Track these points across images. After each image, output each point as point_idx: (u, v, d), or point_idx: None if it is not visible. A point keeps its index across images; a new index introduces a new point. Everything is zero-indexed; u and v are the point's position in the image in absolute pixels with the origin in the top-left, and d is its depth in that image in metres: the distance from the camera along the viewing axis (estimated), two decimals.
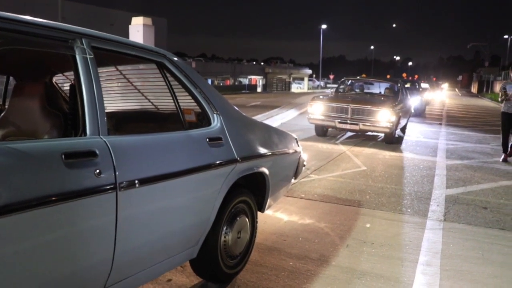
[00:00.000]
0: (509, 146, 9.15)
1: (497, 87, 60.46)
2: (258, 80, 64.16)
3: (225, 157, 3.11)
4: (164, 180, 2.51)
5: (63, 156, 1.97)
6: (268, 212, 5.26)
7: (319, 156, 9.13)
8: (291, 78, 72.58)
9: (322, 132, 12.02)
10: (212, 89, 3.42)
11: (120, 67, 3.45)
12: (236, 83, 57.22)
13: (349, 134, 12.58)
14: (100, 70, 2.48)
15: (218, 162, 3.02)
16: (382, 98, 12.11)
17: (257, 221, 3.77)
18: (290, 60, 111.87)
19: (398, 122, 10.94)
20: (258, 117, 14.79)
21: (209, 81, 52.05)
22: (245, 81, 61.59)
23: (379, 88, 14.04)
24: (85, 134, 2.21)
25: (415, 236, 4.70)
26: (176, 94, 3.02)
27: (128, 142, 2.43)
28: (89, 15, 60.73)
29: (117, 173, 2.20)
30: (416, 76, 66.47)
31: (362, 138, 11.95)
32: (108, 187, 2.14)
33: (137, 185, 2.31)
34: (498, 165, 8.45)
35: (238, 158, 3.21)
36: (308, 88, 72.07)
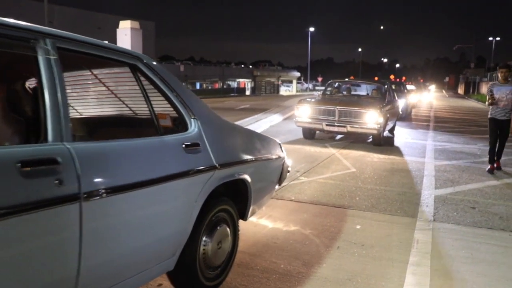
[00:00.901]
0: (495, 156, 8.36)
1: (483, 88, 61.10)
2: (246, 83, 64.23)
3: (202, 164, 2.98)
4: (135, 189, 2.37)
5: (19, 164, 1.81)
6: (258, 214, 5.26)
7: (308, 158, 9.16)
8: (280, 81, 72.73)
9: (310, 135, 11.91)
10: (190, 93, 3.31)
11: (90, 70, 3.26)
12: (225, 86, 57.20)
13: (338, 136, 12.62)
14: (69, 73, 2.39)
15: (194, 169, 2.88)
16: (370, 99, 12.06)
17: (239, 230, 3.65)
18: (278, 63, 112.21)
19: (386, 124, 10.91)
20: (247, 120, 14.81)
21: (198, 85, 52.05)
22: (233, 84, 61.59)
23: (366, 90, 14.00)
24: (46, 140, 2.07)
25: (405, 237, 4.73)
26: (152, 98, 2.90)
27: (95, 149, 2.29)
28: (77, 19, 60.41)
29: (81, 182, 2.04)
30: (403, 78, 66.95)
31: (350, 140, 11.99)
32: (70, 197, 1.99)
33: (104, 195, 2.16)
34: (485, 165, 8.52)
35: (217, 165, 3.09)
36: (297, 91, 72.28)
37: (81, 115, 3.55)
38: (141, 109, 3.10)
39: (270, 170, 4.22)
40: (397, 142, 12.15)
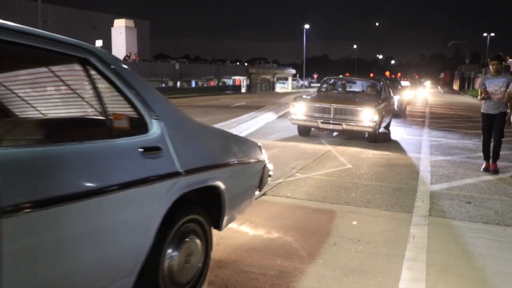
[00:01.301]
0: (491, 154, 7.84)
1: (478, 84, 61.14)
2: (242, 80, 64.16)
3: (163, 170, 2.66)
4: (74, 201, 2.04)
5: None
6: (253, 210, 5.27)
7: (303, 155, 9.16)
8: (275, 78, 72.70)
9: (305, 132, 11.85)
10: (153, 91, 3.03)
11: (31, 65, 2.81)
12: (220, 84, 57.13)
13: (334, 133, 12.63)
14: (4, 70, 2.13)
15: (153, 176, 2.56)
16: (365, 97, 12.01)
17: (211, 242, 3.35)
18: (273, 60, 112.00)
19: (381, 121, 10.89)
20: (243, 117, 14.80)
21: (193, 83, 51.92)
22: (229, 81, 61.56)
23: (362, 86, 13.89)
24: None
25: (401, 232, 4.74)
26: (106, 97, 2.59)
27: (23, 156, 1.95)
28: (72, 19, 60.31)
29: (1, 195, 1.75)
30: (399, 74, 67.11)
31: (345, 137, 11.98)
32: None
33: (32, 210, 1.85)
34: (480, 160, 8.53)
35: (182, 171, 2.78)
36: (292, 88, 72.26)
37: (16, 116, 3.00)
38: (91, 109, 2.69)
39: (248, 175, 3.93)
40: (393, 138, 12.17)
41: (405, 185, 6.84)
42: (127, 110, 2.73)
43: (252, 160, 3.95)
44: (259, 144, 4.27)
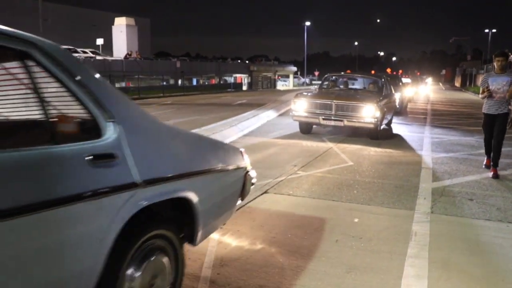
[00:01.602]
0: (492, 156, 7.41)
1: (480, 81, 60.98)
2: (243, 78, 64.11)
3: (118, 181, 2.29)
4: (4, 219, 1.74)
5: None
6: (255, 207, 5.27)
7: (305, 153, 9.15)
8: (276, 76, 72.62)
9: (307, 130, 11.82)
10: (111, 89, 2.65)
11: None
12: (222, 82, 57.11)
13: (335, 130, 12.61)
14: None
15: (104, 188, 2.20)
16: (366, 93, 12.01)
17: (183, 260, 2.97)
18: (275, 58, 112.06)
19: (383, 117, 10.88)
20: (245, 115, 14.79)
21: (194, 81, 51.88)
22: (230, 79, 61.48)
23: (363, 83, 13.89)
24: None
25: (403, 229, 4.73)
26: (52, 96, 2.29)
27: None
28: (72, 17, 60.33)
29: None
30: (400, 71, 67.01)
31: (347, 134, 11.97)
32: None
33: None
34: (482, 157, 8.51)
35: (141, 181, 2.41)
36: (294, 85, 72.21)
37: None
38: (32, 111, 2.26)
39: (226, 184, 3.53)
40: (395, 135, 12.16)
41: (407, 182, 6.83)
42: (77, 112, 2.36)
43: (231, 167, 3.56)
44: (241, 149, 3.93)
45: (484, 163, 7.86)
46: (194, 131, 10.61)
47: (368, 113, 10.40)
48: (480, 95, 7.66)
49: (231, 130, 11.17)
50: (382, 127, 11.40)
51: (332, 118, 10.72)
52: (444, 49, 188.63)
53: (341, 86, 13.14)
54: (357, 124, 10.64)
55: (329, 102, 10.80)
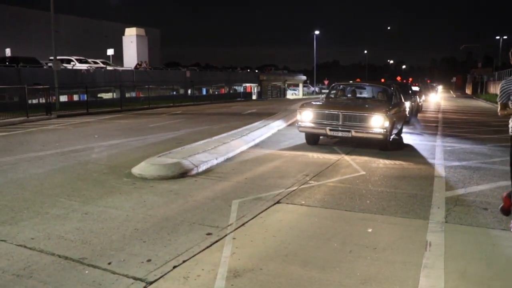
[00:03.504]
0: None
1: (491, 88, 60.78)
2: (253, 87, 64.19)
3: None
4: None
5: None
6: (267, 217, 5.25)
7: (316, 163, 9.12)
8: (286, 85, 72.68)
9: (313, 141, 11.45)
10: None
11: None
12: (231, 91, 57.22)
13: (343, 141, 12.54)
14: None
15: None
16: (375, 103, 11.58)
17: None
18: (284, 67, 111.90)
19: (392, 127, 10.54)
20: (256, 125, 14.79)
21: (204, 90, 52.08)
22: (240, 89, 61.58)
23: (372, 92, 13.45)
24: None
25: (417, 239, 4.69)
26: None
27: None
28: (84, 28, 60.96)
29: None
30: (410, 79, 66.74)
31: (356, 145, 11.89)
32: None
33: None
34: (496, 165, 8.46)
35: None
36: (303, 94, 72.19)
37: None
38: None
39: None
40: (406, 144, 12.07)
41: (420, 191, 6.77)
42: None
43: None
44: None
45: (501, 206, 5.41)
46: (205, 140, 10.66)
47: (376, 123, 10.03)
48: (499, 111, 5.14)
49: (241, 140, 11.16)
50: (392, 137, 11.13)
51: (339, 129, 10.36)
52: (454, 56, 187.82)
53: (350, 95, 12.81)
54: (365, 135, 10.24)
55: (336, 112, 10.44)
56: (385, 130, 10.00)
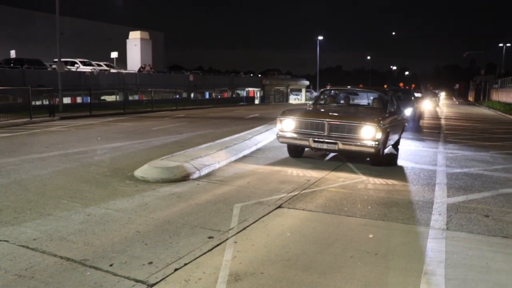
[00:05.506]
0: None
1: (494, 95, 60.81)
2: (256, 92, 64.30)
3: None
4: None
5: None
6: (269, 222, 5.27)
7: (318, 167, 9.13)
8: (289, 90, 72.78)
9: (296, 153, 10.24)
10: None
11: None
12: (234, 96, 57.33)
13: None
14: None
15: None
16: (368, 111, 10.36)
17: None
18: (287, 72, 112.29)
19: (386, 139, 9.29)
20: (258, 129, 14.80)
21: (207, 94, 52.20)
22: (243, 93, 61.71)
23: (367, 99, 12.04)
24: None
25: (418, 246, 4.70)
26: None
27: None
28: (88, 30, 61.27)
29: None
30: (413, 86, 66.81)
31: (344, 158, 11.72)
32: None
33: None
34: (498, 173, 8.46)
35: None
36: (306, 99, 72.21)
37: None
38: None
39: None
40: (408, 150, 12.03)
41: (422, 198, 6.78)
42: None
43: None
44: None
45: None
46: (208, 144, 10.68)
47: (367, 134, 8.68)
48: None
49: (244, 145, 11.18)
50: (388, 149, 10.15)
51: (325, 140, 8.98)
52: (458, 63, 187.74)
53: (342, 102, 11.46)
54: (354, 148, 8.84)
55: (321, 121, 9.11)
56: (376, 142, 8.65)
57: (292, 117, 9.52)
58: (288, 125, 9.51)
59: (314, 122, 9.24)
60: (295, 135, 9.41)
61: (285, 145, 10.26)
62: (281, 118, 9.63)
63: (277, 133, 9.71)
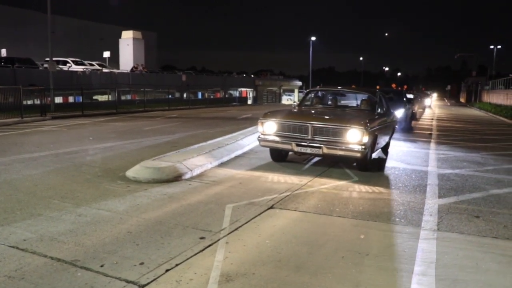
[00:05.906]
0: None
1: (485, 97, 61.30)
2: (248, 92, 64.32)
3: None
4: None
5: None
6: (261, 222, 5.27)
7: (310, 168, 9.14)
8: (282, 90, 72.88)
9: (279, 157, 9.75)
10: None
11: None
12: (227, 96, 57.30)
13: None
14: None
15: None
16: (355, 112, 9.89)
17: None
18: (280, 72, 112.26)
19: (374, 143, 8.93)
20: (250, 130, 14.81)
21: (199, 94, 52.13)
22: (235, 93, 61.70)
23: (355, 100, 11.65)
24: None
25: (409, 246, 4.72)
26: None
27: None
28: (80, 30, 60.96)
29: None
30: (405, 87, 67.08)
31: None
32: None
33: None
34: (489, 174, 8.51)
35: None
36: (299, 100, 72.43)
37: None
38: None
39: None
40: (399, 151, 12.08)
41: (413, 198, 6.81)
42: None
43: None
44: None
45: None
46: (200, 144, 10.66)
47: (353, 138, 8.22)
48: None
49: (236, 145, 11.17)
50: (375, 154, 9.91)
51: (308, 144, 8.52)
52: (449, 65, 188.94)
53: (329, 103, 10.98)
54: (339, 152, 8.36)
55: (305, 124, 8.64)
56: (363, 147, 8.20)
57: (274, 119, 9.04)
58: (269, 128, 9.03)
59: (297, 124, 8.77)
60: (277, 139, 8.94)
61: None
62: (262, 120, 9.15)
63: (259, 136, 9.27)
